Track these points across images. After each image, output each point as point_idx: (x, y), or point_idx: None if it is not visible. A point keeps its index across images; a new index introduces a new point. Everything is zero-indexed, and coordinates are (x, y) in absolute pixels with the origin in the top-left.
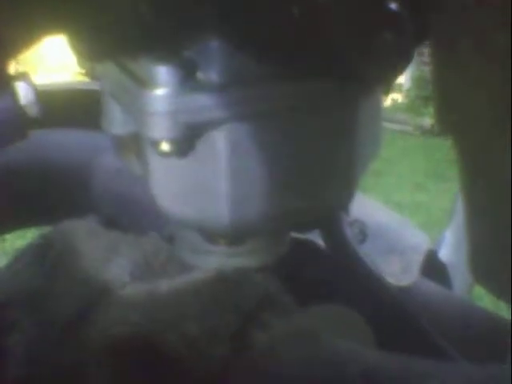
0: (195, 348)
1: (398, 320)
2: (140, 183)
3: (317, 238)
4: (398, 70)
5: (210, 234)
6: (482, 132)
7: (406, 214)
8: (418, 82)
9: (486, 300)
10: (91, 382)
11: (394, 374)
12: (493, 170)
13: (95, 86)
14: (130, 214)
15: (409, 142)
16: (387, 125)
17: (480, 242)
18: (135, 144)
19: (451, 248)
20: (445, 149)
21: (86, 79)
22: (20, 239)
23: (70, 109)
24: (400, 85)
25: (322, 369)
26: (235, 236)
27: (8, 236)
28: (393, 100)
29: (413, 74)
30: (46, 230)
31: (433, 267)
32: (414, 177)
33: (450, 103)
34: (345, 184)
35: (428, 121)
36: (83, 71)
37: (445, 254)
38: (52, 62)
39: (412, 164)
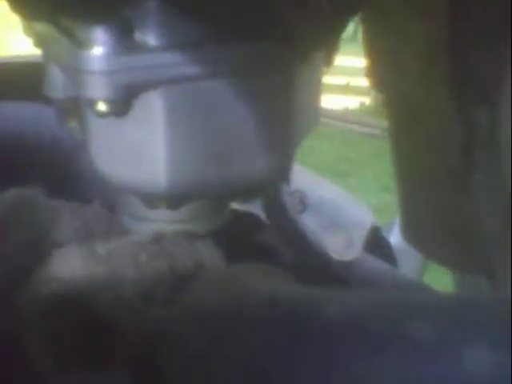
0: (129, 309)
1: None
2: (78, 149)
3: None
4: (334, 36)
5: (149, 198)
6: (409, 82)
7: (372, 214)
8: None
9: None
10: (26, 343)
11: (299, 301)
12: (421, 119)
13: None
14: (72, 182)
15: (376, 145)
16: (355, 127)
17: (409, 200)
18: (76, 108)
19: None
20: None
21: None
22: None
23: (17, 81)
24: (368, 88)
25: (231, 302)
26: (173, 200)
27: None
28: (361, 103)
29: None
30: None
31: (377, 244)
32: (380, 178)
33: (379, 58)
34: (282, 152)
35: None
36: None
37: (395, 238)
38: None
39: (379, 166)
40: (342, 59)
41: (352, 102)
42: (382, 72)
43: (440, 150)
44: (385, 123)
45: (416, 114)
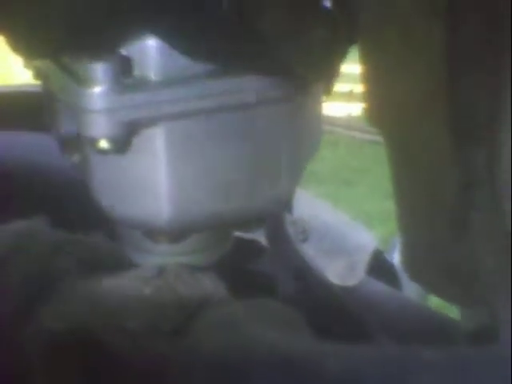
0: (135, 343)
1: (336, 316)
2: (82, 182)
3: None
4: (332, 67)
5: (151, 232)
6: (406, 122)
7: (376, 223)
8: None
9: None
10: (32, 377)
11: (299, 354)
12: (419, 159)
13: (38, 88)
14: (73, 213)
15: (378, 151)
16: (357, 134)
17: (409, 237)
18: (77, 143)
19: None
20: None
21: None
22: None
23: (15, 111)
24: None
25: (235, 356)
26: (175, 233)
27: None
28: (363, 110)
29: None
30: None
31: (381, 267)
32: (384, 186)
33: (376, 96)
34: (285, 182)
35: None
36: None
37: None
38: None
39: (382, 173)
40: (345, 66)
41: (355, 109)
42: (380, 109)
43: (438, 188)
44: None
45: (414, 152)
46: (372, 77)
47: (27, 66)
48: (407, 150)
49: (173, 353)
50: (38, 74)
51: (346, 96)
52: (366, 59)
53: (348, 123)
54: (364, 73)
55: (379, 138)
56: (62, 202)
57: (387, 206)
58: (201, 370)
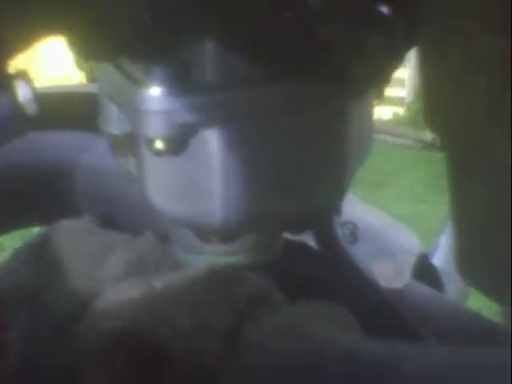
0: (188, 343)
1: (387, 319)
2: (131, 181)
3: (309, 239)
4: (387, 73)
5: (203, 232)
6: (468, 133)
7: (405, 225)
8: (419, 95)
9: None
10: (86, 377)
11: (373, 358)
12: (480, 169)
13: (92, 89)
14: (123, 213)
15: (410, 156)
16: (388, 138)
17: (466, 241)
18: (130, 143)
19: (446, 255)
20: (445, 162)
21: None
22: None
23: (67, 111)
24: (402, 98)
25: (307, 359)
26: (227, 233)
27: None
28: (394, 113)
29: (415, 88)
30: (43, 229)
31: (425, 271)
32: (414, 189)
33: (437, 105)
34: (335, 185)
35: (429, 134)
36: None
37: (439, 260)
38: (51, 72)
39: (412, 177)
40: None
41: (385, 113)
42: (440, 118)
43: (500, 196)
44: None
45: (475, 162)
46: (433, 85)
47: (80, 66)
48: (468, 158)
49: (226, 353)
50: (92, 76)
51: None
52: (425, 66)
53: (378, 127)
54: (423, 79)
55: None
56: (109, 202)
57: (419, 208)
58: (266, 371)
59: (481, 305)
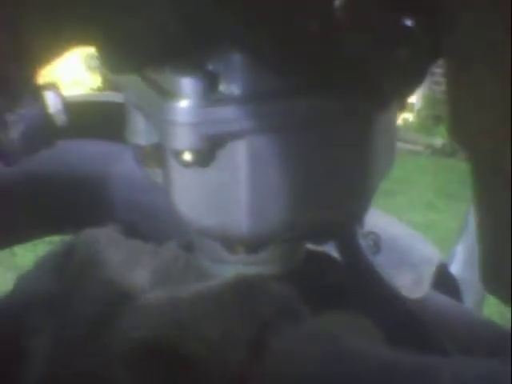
0: (214, 352)
1: (410, 330)
2: (157, 192)
3: (332, 250)
4: (412, 86)
5: (229, 242)
6: (494, 149)
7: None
8: (429, 101)
9: (496, 318)
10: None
11: (409, 368)
12: (505, 181)
13: (118, 98)
14: (149, 223)
15: (420, 162)
16: (398, 144)
17: (491, 253)
18: (157, 154)
19: (462, 264)
20: (455, 168)
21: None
22: (31, 253)
23: (94, 120)
24: (411, 104)
25: (336, 368)
26: (253, 244)
27: (18, 251)
28: (404, 119)
29: (424, 94)
30: (67, 237)
31: (444, 280)
32: (425, 196)
33: (462, 120)
34: (360, 196)
35: (439, 140)
36: (101, 89)
37: (456, 269)
38: (65, 77)
39: (423, 183)
40: None
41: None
42: (465, 131)
43: None
44: (428, 139)
45: (500, 174)
46: (458, 97)
47: (107, 77)
48: (494, 171)
49: (251, 362)
50: (119, 87)
51: None
52: (450, 79)
53: None
54: (448, 92)
55: (419, 148)
56: (135, 211)
57: (430, 216)
58: (290, 381)
59: (492, 311)
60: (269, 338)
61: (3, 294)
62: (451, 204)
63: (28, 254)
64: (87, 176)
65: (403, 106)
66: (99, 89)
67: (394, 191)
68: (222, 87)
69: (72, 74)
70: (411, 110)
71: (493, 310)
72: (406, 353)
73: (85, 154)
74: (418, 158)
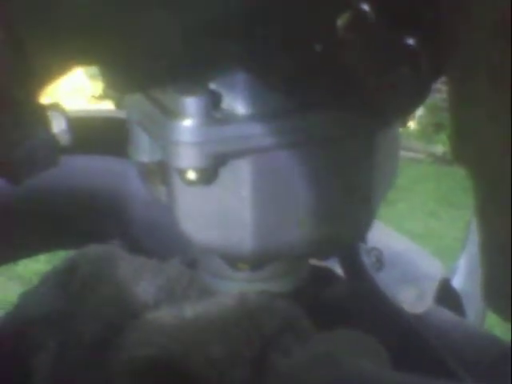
0: (218, 370)
1: (412, 345)
2: (164, 210)
3: (335, 265)
4: (415, 103)
5: (232, 260)
6: (496, 165)
7: (418, 241)
8: (430, 109)
9: (497, 329)
10: None
11: None
12: (507, 200)
13: (121, 114)
14: (157, 239)
15: (421, 170)
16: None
17: (494, 271)
18: (160, 172)
19: (465, 276)
20: (457, 176)
21: (104, 105)
22: (33, 262)
23: (97, 136)
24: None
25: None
26: (257, 261)
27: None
28: (405, 127)
29: (425, 102)
30: (70, 253)
31: (446, 295)
32: (426, 204)
33: (464, 136)
34: (363, 213)
35: (440, 148)
36: (103, 97)
37: (458, 282)
38: (65, 85)
39: (424, 191)
40: None
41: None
42: (468, 149)
43: None
44: (429, 147)
45: (502, 192)
46: (460, 115)
47: (109, 94)
48: (496, 187)
49: (254, 380)
50: (121, 104)
51: None
52: (453, 97)
53: None
54: (451, 109)
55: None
56: (139, 228)
57: (429, 224)
58: None
59: (494, 322)
60: (273, 357)
61: (4, 303)
62: (452, 212)
63: (30, 264)
64: (96, 192)
65: (405, 122)
66: (100, 97)
67: (395, 199)
68: (226, 106)
69: (72, 81)
70: (412, 118)
71: (495, 320)
72: (411, 376)
73: (93, 169)
74: (419, 165)
